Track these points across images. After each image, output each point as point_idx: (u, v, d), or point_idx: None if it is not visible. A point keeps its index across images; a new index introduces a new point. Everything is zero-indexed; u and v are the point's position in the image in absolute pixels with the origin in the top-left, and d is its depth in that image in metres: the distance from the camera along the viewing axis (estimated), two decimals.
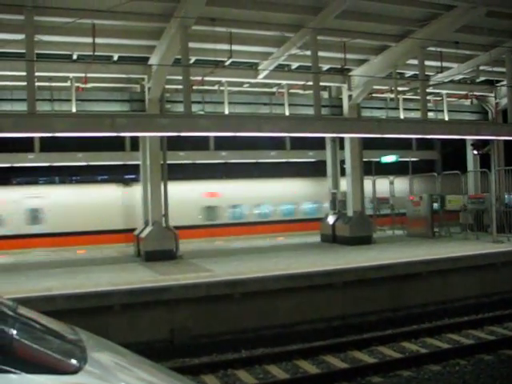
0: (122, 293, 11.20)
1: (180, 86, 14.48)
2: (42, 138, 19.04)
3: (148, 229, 16.11)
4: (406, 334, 11.60)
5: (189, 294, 11.68)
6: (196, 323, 11.63)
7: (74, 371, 2.86)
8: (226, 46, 14.16)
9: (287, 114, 17.67)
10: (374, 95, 19.79)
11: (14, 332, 3.15)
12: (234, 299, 11.96)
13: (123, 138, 21.47)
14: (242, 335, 11.69)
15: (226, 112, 16.96)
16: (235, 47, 14.42)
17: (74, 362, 3.02)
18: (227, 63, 15.41)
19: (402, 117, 19.15)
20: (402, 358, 10.16)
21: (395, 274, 13.63)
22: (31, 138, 19.20)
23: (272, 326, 12.08)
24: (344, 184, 19.06)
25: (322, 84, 18.08)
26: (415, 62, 16.45)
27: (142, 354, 10.48)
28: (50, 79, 15.29)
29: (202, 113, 16.95)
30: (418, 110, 17.30)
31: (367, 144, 19.87)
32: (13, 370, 2.61)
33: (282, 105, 18.03)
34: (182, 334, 11.48)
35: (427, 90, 17.24)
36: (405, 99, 19.90)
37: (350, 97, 17.89)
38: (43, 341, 3.36)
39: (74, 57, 14.23)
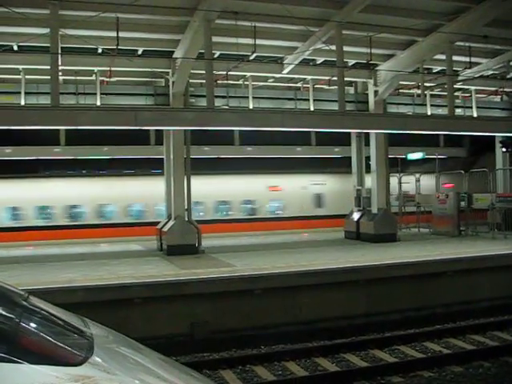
0: (142, 286, 11.22)
1: (204, 81, 14.43)
2: None
3: (170, 223, 16.13)
4: (429, 334, 11.43)
5: (209, 288, 11.65)
6: (216, 318, 11.59)
7: (78, 363, 2.82)
8: (250, 41, 14.04)
9: (312, 109, 17.49)
10: (400, 91, 19.49)
11: (21, 322, 3.12)
12: (255, 294, 11.89)
13: (148, 131, 21.58)
14: (263, 331, 11.62)
15: (251, 107, 16.85)
16: (260, 41, 14.27)
17: (79, 353, 2.99)
18: (251, 57, 15.30)
19: (429, 113, 18.80)
20: (423, 358, 10.01)
21: (419, 272, 13.40)
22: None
23: (293, 323, 11.97)
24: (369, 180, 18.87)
25: (347, 79, 17.94)
26: (443, 57, 16.13)
27: (161, 347, 10.49)
28: (76, 73, 15.41)
29: (226, 107, 16.86)
30: (445, 106, 16.98)
31: (394, 141, 19.63)
32: (16, 359, 2.59)
33: (307, 100, 17.85)
34: (202, 328, 11.45)
35: (455, 86, 16.90)
36: (432, 95, 19.55)
37: (375, 92, 17.62)
38: (50, 331, 3.33)
39: (99, 51, 14.24)
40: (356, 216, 19.22)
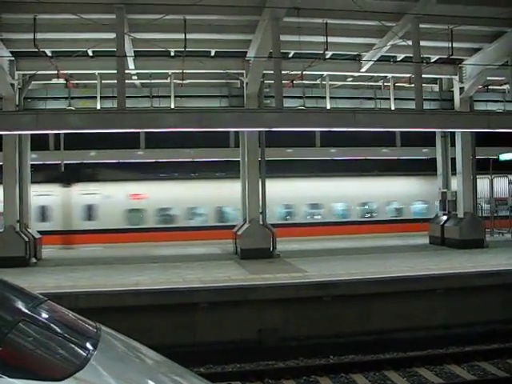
0: (207, 291, 11.05)
1: (283, 81, 14.13)
2: None
3: (245, 226, 15.95)
4: None
5: (277, 294, 11.33)
6: (285, 325, 11.27)
7: (61, 378, 2.63)
8: (323, 38, 13.58)
9: (393, 108, 16.74)
10: (490, 87, 18.31)
11: (10, 332, 2.95)
12: (324, 302, 11.43)
13: (228, 134, 21.61)
14: (332, 340, 11.15)
15: (328, 107, 16.36)
16: (333, 39, 13.79)
17: (64, 367, 2.80)
18: (327, 56, 14.83)
19: None
20: (506, 378, 9.16)
21: (507, 281, 12.40)
22: None
23: (365, 332, 11.43)
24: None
25: (431, 76, 17.11)
26: None
27: (228, 353, 10.21)
28: (150, 76, 15.61)
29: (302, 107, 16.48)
30: None
31: (484, 140, 18.50)
32: None
33: (388, 99, 17.11)
34: (270, 335, 11.15)
35: None
36: None
37: (461, 89, 16.61)
38: (42, 343, 3.14)
39: (172, 53, 14.29)
40: (441, 220, 18.23)
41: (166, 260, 15.41)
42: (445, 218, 18.13)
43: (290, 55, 15.50)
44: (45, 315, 3.58)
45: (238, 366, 10.03)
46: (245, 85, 15.57)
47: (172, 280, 11.75)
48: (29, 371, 2.61)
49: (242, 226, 16.46)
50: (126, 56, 12.21)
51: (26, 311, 3.43)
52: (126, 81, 13.01)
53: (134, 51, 13.75)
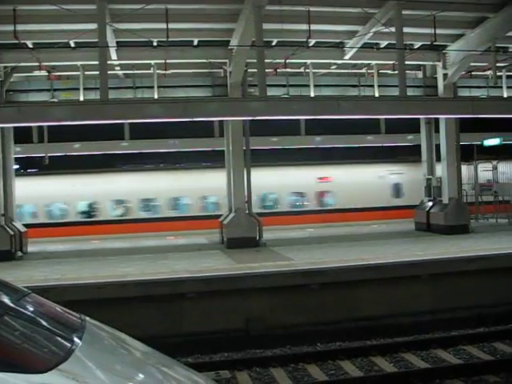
0: (194, 280, 11.05)
1: (267, 70, 14.07)
2: None
3: (230, 215, 15.95)
4: (501, 334, 10.55)
5: (264, 283, 11.34)
6: (272, 313, 11.29)
7: (44, 370, 2.59)
8: (306, 26, 13.53)
9: (377, 95, 16.74)
10: (473, 73, 18.37)
11: None
12: (312, 289, 11.47)
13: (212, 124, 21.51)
14: (320, 328, 11.19)
15: (312, 95, 16.33)
16: (317, 27, 13.77)
17: (48, 359, 2.76)
18: (310, 44, 14.79)
19: (505, 95, 17.58)
20: (491, 361, 9.24)
21: (492, 266, 12.51)
22: None
23: (352, 319, 11.49)
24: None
25: (414, 63, 17.12)
26: None
27: (216, 342, 10.22)
28: (133, 67, 15.49)
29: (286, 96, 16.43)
30: None
31: (469, 126, 18.60)
32: None
33: (372, 86, 17.10)
34: (257, 324, 11.17)
35: None
36: (509, 76, 18.25)
37: (444, 76, 16.65)
38: (24, 335, 3.11)
39: (154, 44, 14.17)
40: (426, 206, 18.35)
41: (152, 251, 15.38)
42: (430, 204, 18.25)
43: (273, 43, 15.42)
44: (29, 308, 3.56)
45: (225, 356, 10.06)
46: (228, 74, 15.49)
47: (160, 271, 11.73)
48: (11, 364, 2.57)
49: (227, 215, 16.47)
50: (108, 47, 12.14)
51: (10, 304, 3.41)
52: (109, 72, 12.97)
53: (117, 42, 13.68)
